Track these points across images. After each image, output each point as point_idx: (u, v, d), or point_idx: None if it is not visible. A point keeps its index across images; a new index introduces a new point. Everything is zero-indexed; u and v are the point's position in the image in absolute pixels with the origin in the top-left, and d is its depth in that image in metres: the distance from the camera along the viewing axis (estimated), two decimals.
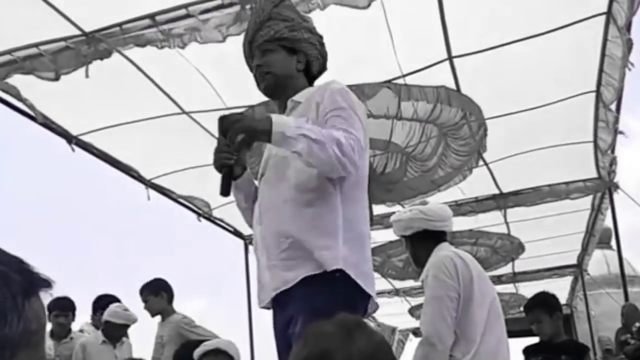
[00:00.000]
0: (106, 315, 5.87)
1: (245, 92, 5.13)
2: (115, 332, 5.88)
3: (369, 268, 2.53)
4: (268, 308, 2.61)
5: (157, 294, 5.75)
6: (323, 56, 2.77)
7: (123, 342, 6.00)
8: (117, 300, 6.35)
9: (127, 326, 5.96)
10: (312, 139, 2.28)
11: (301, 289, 2.41)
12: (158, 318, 5.85)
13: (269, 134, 2.31)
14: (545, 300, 5.04)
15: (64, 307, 5.96)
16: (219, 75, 5.20)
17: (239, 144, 2.38)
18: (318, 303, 2.32)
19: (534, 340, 5.23)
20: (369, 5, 3.87)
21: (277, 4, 2.68)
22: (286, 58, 2.66)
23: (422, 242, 3.61)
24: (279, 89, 2.69)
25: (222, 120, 2.43)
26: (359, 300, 2.47)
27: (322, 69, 2.81)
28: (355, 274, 2.42)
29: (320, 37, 2.76)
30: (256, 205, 2.65)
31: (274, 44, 2.64)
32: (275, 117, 2.34)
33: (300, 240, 2.43)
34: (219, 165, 2.56)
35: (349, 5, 3.81)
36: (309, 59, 2.71)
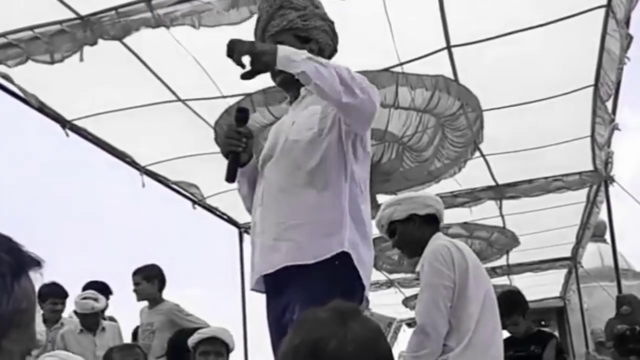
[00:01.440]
0: (75, 306, 5.90)
1: (240, 81, 5.11)
2: (86, 321, 5.89)
3: (369, 258, 2.51)
4: (260, 292, 2.60)
5: (150, 279, 5.75)
6: (334, 41, 2.77)
7: (104, 328, 6.00)
8: (106, 287, 6.37)
9: (94, 315, 5.93)
10: (317, 61, 2.31)
11: (299, 275, 2.39)
12: (141, 304, 5.86)
13: (274, 54, 2.33)
14: (519, 304, 5.24)
15: (60, 294, 5.97)
16: (215, 62, 5.17)
17: (246, 74, 2.43)
18: (316, 290, 2.30)
19: None
20: None
21: None
22: (298, 47, 2.58)
23: (410, 227, 3.61)
24: (292, 80, 2.59)
25: (229, 43, 2.41)
26: (357, 290, 2.46)
27: (333, 53, 2.79)
28: (356, 259, 2.41)
29: (332, 22, 2.75)
30: (258, 187, 2.63)
31: (287, 33, 2.62)
32: (281, 49, 2.35)
33: (304, 224, 2.42)
34: (226, 151, 2.58)
35: None
36: (321, 47, 2.69)
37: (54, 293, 5.89)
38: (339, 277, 2.38)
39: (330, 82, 2.30)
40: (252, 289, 2.62)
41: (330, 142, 2.48)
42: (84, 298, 5.94)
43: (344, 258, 2.39)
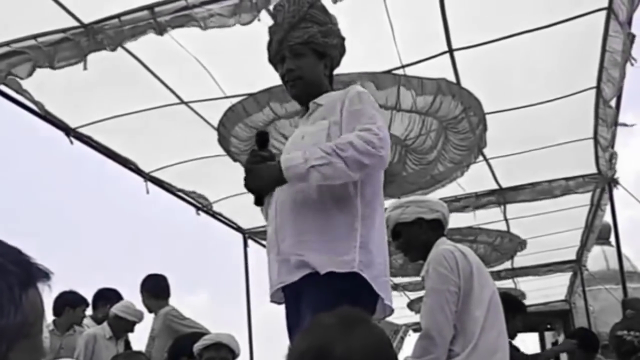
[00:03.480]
0: (116, 310, 5.86)
1: (245, 81, 5.12)
2: (123, 328, 5.89)
3: (382, 271, 2.55)
4: (278, 303, 2.66)
5: (142, 293, 5.82)
6: (342, 55, 2.85)
7: (122, 339, 6.02)
8: (118, 294, 6.37)
9: (135, 323, 5.96)
10: (320, 165, 2.37)
11: (311, 288, 2.45)
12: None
13: (282, 181, 2.46)
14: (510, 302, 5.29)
15: (86, 302, 6.09)
16: (219, 64, 5.18)
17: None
18: (328, 303, 2.33)
19: (534, 335, 5.40)
20: None
21: (312, 4, 2.71)
22: (316, 63, 2.71)
23: (416, 231, 3.62)
24: (308, 94, 2.75)
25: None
26: (369, 304, 2.50)
27: (337, 64, 2.87)
28: (370, 276, 2.45)
29: (344, 39, 2.81)
30: (272, 201, 2.67)
31: (306, 47, 2.69)
32: (283, 160, 2.45)
33: (317, 241, 2.47)
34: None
35: None
36: (333, 63, 2.80)
37: (84, 301, 6.01)
38: (352, 291, 2.41)
39: (337, 175, 2.40)
40: (271, 301, 2.69)
41: None
42: (133, 307, 5.99)
43: (356, 276, 2.43)
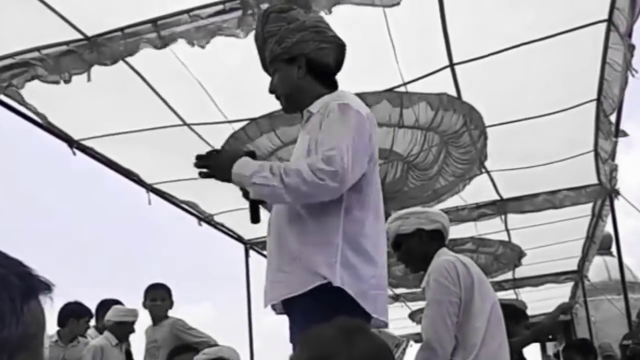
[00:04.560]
0: (114, 317, 5.87)
1: (247, 106, 5.14)
2: (126, 332, 5.90)
3: (374, 285, 2.51)
4: (280, 313, 2.65)
5: (170, 296, 5.83)
6: (324, 41, 2.71)
7: (125, 343, 6.03)
8: (120, 304, 6.37)
9: (134, 322, 5.97)
10: (259, 184, 2.40)
11: (299, 302, 2.45)
12: (145, 324, 5.89)
13: (230, 174, 2.50)
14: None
15: (91, 313, 6.09)
16: (221, 88, 5.21)
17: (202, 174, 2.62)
18: (313, 318, 2.31)
19: (535, 345, 5.41)
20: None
21: (266, 20, 2.69)
22: (288, 71, 2.67)
23: (416, 242, 3.62)
24: (293, 105, 2.74)
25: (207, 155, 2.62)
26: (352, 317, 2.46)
27: (337, 52, 2.75)
28: (354, 292, 2.42)
29: (313, 27, 2.70)
30: (270, 217, 2.70)
31: (275, 63, 2.68)
32: (237, 164, 2.48)
33: (299, 257, 2.47)
34: (243, 193, 2.65)
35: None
36: (309, 56, 2.67)
37: (89, 312, 5.99)
38: (336, 306, 2.32)
39: (273, 199, 2.48)
40: (277, 313, 2.69)
41: None
42: (127, 308, 6.01)
43: (338, 291, 2.41)
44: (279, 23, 2.68)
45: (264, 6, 3.87)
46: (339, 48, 2.74)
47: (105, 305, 6.35)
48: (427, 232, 3.62)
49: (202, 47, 4.18)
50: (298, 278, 2.45)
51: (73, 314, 6.03)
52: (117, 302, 6.40)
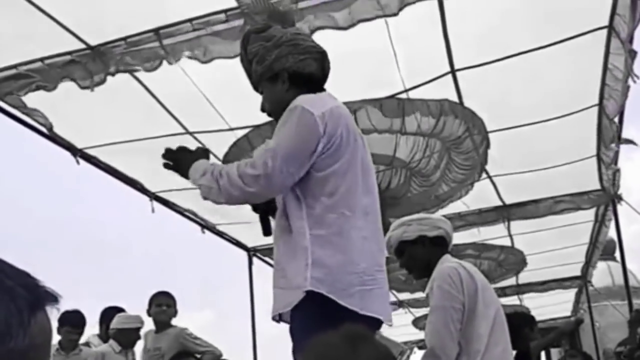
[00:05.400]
0: (117, 324, 5.86)
1: (249, 113, 5.16)
2: (130, 338, 5.88)
3: (356, 281, 2.46)
4: (279, 322, 2.68)
5: (176, 304, 5.82)
6: (305, 51, 2.71)
7: (132, 349, 6.02)
8: (124, 311, 6.36)
9: (139, 329, 5.96)
10: (203, 185, 2.56)
11: (293, 315, 2.53)
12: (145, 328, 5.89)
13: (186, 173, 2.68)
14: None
15: (77, 324, 5.90)
16: (223, 96, 5.23)
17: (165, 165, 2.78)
18: (296, 326, 2.50)
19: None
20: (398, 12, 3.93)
21: (246, 43, 2.74)
22: (272, 89, 2.71)
23: (419, 249, 3.62)
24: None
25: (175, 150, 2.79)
26: (337, 318, 2.34)
27: (319, 60, 2.74)
28: (330, 290, 2.41)
29: (289, 40, 2.70)
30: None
31: (262, 83, 2.73)
32: (192, 168, 2.65)
33: (281, 268, 2.56)
34: (254, 209, 2.77)
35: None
36: (290, 70, 2.67)
37: (70, 321, 5.86)
38: (312, 310, 2.41)
39: (212, 198, 2.59)
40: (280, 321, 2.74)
41: None
42: (129, 315, 5.99)
43: (309, 297, 2.42)
44: (258, 42, 2.71)
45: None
46: (320, 55, 2.74)
47: (108, 313, 6.34)
48: (430, 238, 3.62)
49: (205, 61, 4.21)
50: (286, 293, 2.52)
51: (59, 322, 5.94)
52: (120, 309, 6.40)
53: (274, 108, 2.72)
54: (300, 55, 2.69)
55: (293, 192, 2.53)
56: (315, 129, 2.47)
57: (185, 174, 2.68)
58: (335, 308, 2.40)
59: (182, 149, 2.78)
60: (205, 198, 2.60)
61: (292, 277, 2.48)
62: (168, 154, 2.76)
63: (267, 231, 2.69)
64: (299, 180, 2.50)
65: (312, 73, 2.71)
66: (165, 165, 2.76)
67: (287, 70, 2.67)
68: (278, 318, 2.63)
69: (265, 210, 2.72)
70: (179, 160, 2.73)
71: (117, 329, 5.84)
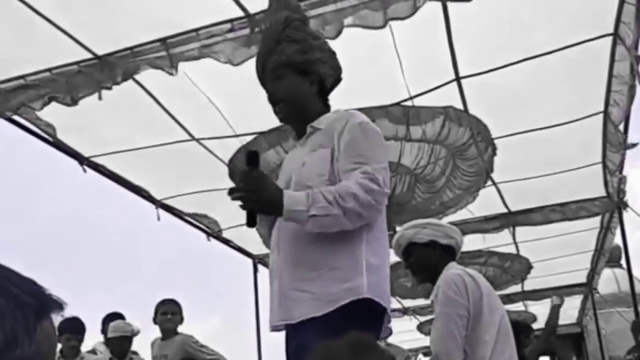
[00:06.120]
0: (109, 333, 5.91)
1: (254, 119, 5.18)
2: (118, 347, 5.88)
3: (387, 285, 2.52)
4: (278, 330, 2.59)
5: (181, 311, 5.84)
6: (336, 70, 2.72)
7: (132, 359, 6.00)
8: (121, 317, 6.38)
9: (127, 338, 5.94)
10: (320, 216, 2.31)
11: (318, 323, 2.37)
12: (152, 337, 5.90)
13: (278, 212, 2.35)
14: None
15: (75, 330, 5.88)
16: (229, 102, 5.24)
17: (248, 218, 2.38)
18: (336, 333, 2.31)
19: (546, 359, 5.49)
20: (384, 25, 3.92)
21: (288, 24, 2.62)
22: (298, 82, 2.61)
23: (428, 253, 3.62)
24: (295, 116, 2.66)
25: (245, 175, 2.39)
26: (377, 326, 2.48)
27: (336, 82, 2.76)
28: (378, 296, 2.42)
29: (332, 52, 2.72)
30: (274, 231, 2.62)
31: (287, 68, 2.60)
32: (286, 198, 2.32)
33: (320, 275, 2.41)
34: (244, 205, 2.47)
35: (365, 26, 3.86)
36: (322, 77, 2.67)
37: (70, 328, 5.86)
38: (358, 323, 2.28)
39: (334, 226, 2.36)
40: (272, 330, 2.60)
41: None
42: (119, 323, 5.98)
43: (363, 303, 2.38)
44: (305, 33, 2.66)
45: None
46: (338, 77, 2.77)
47: (107, 319, 6.38)
48: (440, 245, 3.62)
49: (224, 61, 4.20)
50: (324, 295, 2.38)
51: (58, 330, 5.94)
52: (120, 315, 6.42)
53: (292, 99, 2.61)
54: (332, 70, 2.70)
55: None
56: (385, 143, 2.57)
57: (275, 209, 2.36)
58: (378, 315, 2.45)
59: (246, 175, 2.39)
60: (317, 229, 2.37)
61: (333, 286, 2.38)
62: (237, 190, 2.36)
63: (252, 222, 2.46)
64: None
65: (330, 88, 2.74)
66: (243, 206, 2.36)
67: (320, 76, 2.66)
68: (282, 327, 2.55)
69: None
70: (258, 193, 2.34)
71: (108, 337, 5.89)
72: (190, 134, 5.75)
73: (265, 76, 2.66)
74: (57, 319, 1.06)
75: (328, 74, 2.69)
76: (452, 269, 3.53)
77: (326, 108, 2.73)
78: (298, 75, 2.61)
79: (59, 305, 1.05)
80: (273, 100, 2.64)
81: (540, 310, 13.15)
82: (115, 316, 6.40)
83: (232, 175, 5.73)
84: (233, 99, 5.18)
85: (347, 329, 2.31)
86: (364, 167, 2.39)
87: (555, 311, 6.81)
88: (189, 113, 5.48)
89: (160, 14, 4.31)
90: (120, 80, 4.43)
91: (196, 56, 4.25)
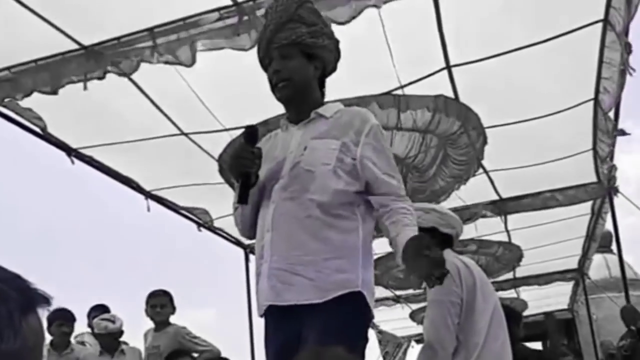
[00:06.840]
0: (94, 328, 5.93)
1: (242, 114, 5.16)
2: (106, 342, 5.91)
3: (373, 283, 2.57)
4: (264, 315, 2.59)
5: (172, 302, 5.85)
6: (336, 59, 2.75)
7: (124, 351, 6.00)
8: (107, 310, 6.38)
9: (108, 335, 5.95)
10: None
11: (313, 310, 2.38)
12: (145, 327, 5.91)
13: None
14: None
15: (68, 317, 5.89)
16: (217, 97, 5.21)
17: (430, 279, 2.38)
18: (330, 326, 2.32)
19: (538, 344, 5.49)
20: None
21: (301, 4, 2.61)
22: (304, 65, 2.60)
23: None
24: (297, 97, 2.64)
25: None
26: (368, 323, 2.52)
27: (333, 70, 2.77)
28: (369, 295, 2.45)
29: (337, 41, 2.73)
30: (266, 210, 2.57)
31: (294, 48, 2.58)
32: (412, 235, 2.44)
33: (318, 261, 2.41)
34: (239, 171, 2.52)
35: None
36: (325, 64, 2.68)
37: (61, 316, 5.85)
38: (352, 314, 2.40)
39: None
40: (261, 316, 2.59)
41: (347, 182, 2.50)
42: (101, 319, 5.97)
43: (358, 296, 2.42)
44: (316, 18, 2.66)
45: (261, 12, 3.88)
46: (335, 68, 2.79)
47: (92, 311, 6.40)
48: (440, 233, 3.61)
49: (188, 65, 4.19)
50: (321, 282, 2.39)
51: (49, 321, 5.93)
52: (104, 307, 6.43)
53: (300, 80, 2.60)
54: (333, 60, 2.73)
55: (356, 192, 2.54)
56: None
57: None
58: (367, 312, 2.48)
59: (244, 149, 2.54)
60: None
61: (334, 272, 2.40)
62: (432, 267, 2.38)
63: (244, 199, 2.47)
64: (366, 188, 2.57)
65: (325, 75, 2.76)
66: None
67: (324, 63, 2.67)
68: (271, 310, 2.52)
69: (249, 175, 2.51)
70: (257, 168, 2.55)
71: (94, 333, 5.93)
72: (179, 128, 5.72)
73: (269, 51, 2.62)
74: (43, 313, 1.05)
75: (330, 61, 2.70)
76: (446, 256, 3.52)
77: (322, 95, 2.74)
78: (304, 58, 2.60)
79: (45, 300, 1.05)
80: (279, 77, 2.59)
81: (531, 296, 13.24)
82: (100, 308, 6.41)
83: (222, 173, 5.72)
84: (222, 93, 5.15)
85: (346, 319, 2.35)
86: (396, 179, 2.67)
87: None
88: (178, 107, 5.44)
89: (147, 3, 4.28)
90: (106, 72, 4.39)
91: (183, 46, 4.21)
